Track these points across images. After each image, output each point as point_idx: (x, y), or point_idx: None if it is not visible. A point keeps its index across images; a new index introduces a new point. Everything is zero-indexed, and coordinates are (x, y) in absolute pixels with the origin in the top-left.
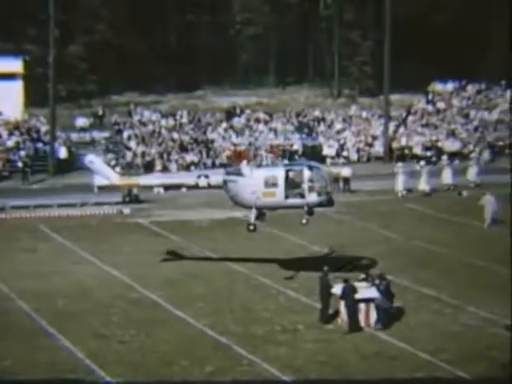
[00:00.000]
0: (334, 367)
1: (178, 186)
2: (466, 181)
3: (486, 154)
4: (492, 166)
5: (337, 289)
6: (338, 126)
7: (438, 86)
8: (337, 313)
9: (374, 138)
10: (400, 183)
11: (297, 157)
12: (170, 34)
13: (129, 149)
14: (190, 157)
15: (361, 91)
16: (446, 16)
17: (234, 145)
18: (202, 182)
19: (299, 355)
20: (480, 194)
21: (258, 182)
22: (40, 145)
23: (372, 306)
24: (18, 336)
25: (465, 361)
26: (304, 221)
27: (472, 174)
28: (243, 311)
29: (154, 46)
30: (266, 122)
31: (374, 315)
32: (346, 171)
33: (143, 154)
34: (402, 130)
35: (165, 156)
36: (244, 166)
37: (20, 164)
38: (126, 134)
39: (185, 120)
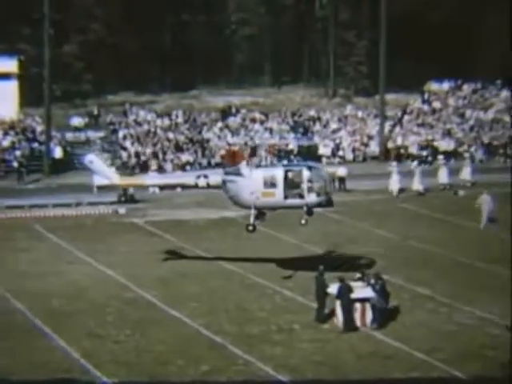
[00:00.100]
0: (329, 367)
1: (173, 186)
2: (459, 180)
3: (480, 153)
4: (487, 166)
5: (332, 288)
6: (334, 125)
7: (433, 86)
8: (333, 312)
9: (370, 137)
10: (394, 182)
11: (292, 156)
12: (165, 34)
13: (124, 148)
14: (186, 156)
15: (356, 91)
16: (441, 14)
17: (229, 144)
18: (202, 182)
19: (295, 355)
20: (476, 193)
21: (257, 183)
22: (35, 145)
23: (368, 306)
24: (13, 336)
25: (460, 360)
26: (303, 221)
27: (466, 173)
28: (238, 311)
29: (149, 45)
30: (261, 122)
31: (369, 315)
32: (341, 171)
33: (138, 154)
34: (397, 129)
35: (160, 156)
36: (243, 167)
37: (15, 164)
38: (121, 134)
39: (180, 120)
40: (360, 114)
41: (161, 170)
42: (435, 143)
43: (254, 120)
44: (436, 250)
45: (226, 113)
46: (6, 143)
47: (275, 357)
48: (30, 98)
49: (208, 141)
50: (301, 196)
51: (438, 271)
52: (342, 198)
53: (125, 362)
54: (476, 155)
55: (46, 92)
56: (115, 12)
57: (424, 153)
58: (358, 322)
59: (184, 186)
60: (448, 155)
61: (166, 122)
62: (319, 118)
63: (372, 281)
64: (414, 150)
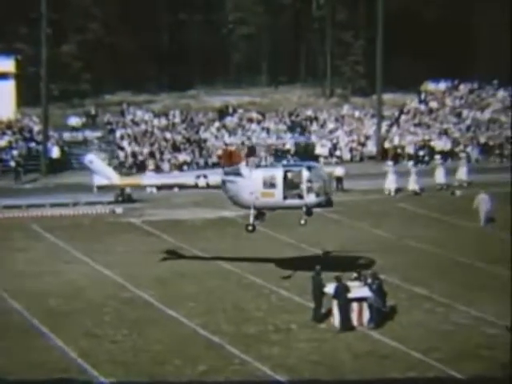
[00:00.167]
0: (326, 366)
1: (170, 186)
2: (455, 180)
3: (475, 153)
4: (482, 166)
5: (329, 288)
6: (331, 125)
7: (430, 86)
8: (330, 312)
9: (367, 137)
10: (390, 182)
11: (289, 156)
12: (162, 34)
13: (121, 148)
14: (183, 156)
15: (353, 91)
16: (438, 12)
17: (226, 144)
18: (201, 182)
19: (292, 354)
20: (472, 193)
21: (256, 183)
22: (32, 144)
23: (365, 306)
24: (10, 336)
25: (457, 360)
26: (302, 221)
27: (462, 173)
28: (235, 311)
29: (147, 45)
30: (258, 122)
31: (366, 314)
32: (338, 171)
33: (135, 154)
34: (394, 129)
35: (157, 155)
36: (243, 167)
37: (12, 163)
38: (118, 134)
39: (177, 119)
40: (357, 113)
41: (158, 169)
42: (432, 143)
43: (251, 120)
44: (433, 250)
45: (223, 112)
46: (3, 143)
47: (272, 356)
48: (27, 97)
49: (205, 141)
50: (300, 196)
51: (435, 271)
52: (339, 197)
53: (122, 361)
54: (472, 155)
55: (44, 92)
56: (113, 12)
57: (421, 153)
58: (355, 322)
59: (183, 186)
60: (445, 155)
61: (164, 121)
62: (316, 118)
63: (369, 280)
64: (410, 149)
